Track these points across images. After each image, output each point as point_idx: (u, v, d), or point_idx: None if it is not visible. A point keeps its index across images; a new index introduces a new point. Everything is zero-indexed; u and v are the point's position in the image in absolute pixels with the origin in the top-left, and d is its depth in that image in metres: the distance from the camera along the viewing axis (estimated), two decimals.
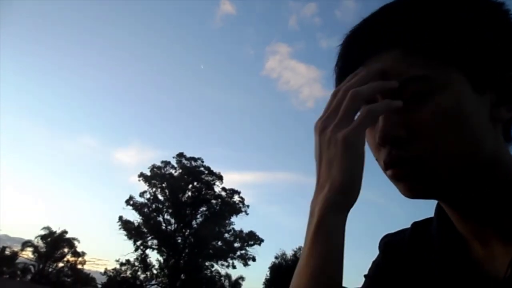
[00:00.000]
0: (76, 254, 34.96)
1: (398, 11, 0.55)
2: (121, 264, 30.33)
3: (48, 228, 34.69)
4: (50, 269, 34.50)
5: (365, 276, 0.72)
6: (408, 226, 0.70)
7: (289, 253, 33.29)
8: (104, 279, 31.25)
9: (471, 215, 0.56)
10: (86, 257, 35.34)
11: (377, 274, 0.69)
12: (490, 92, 0.53)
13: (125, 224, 30.23)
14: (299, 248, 33.10)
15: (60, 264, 34.83)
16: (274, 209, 49.02)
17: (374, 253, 0.74)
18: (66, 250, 34.92)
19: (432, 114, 0.51)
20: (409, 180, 0.53)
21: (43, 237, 34.29)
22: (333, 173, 0.51)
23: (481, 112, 0.53)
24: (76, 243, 35.03)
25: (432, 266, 0.60)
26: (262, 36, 49.11)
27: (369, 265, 0.73)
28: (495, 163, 0.54)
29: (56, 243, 34.36)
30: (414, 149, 0.52)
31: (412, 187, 0.54)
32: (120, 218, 30.37)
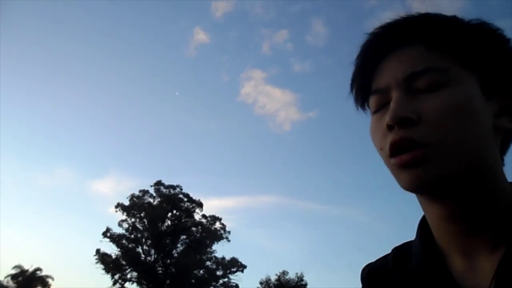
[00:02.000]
0: None
1: (419, 17, 0.60)
2: None
3: (19, 266, 33.01)
4: None
5: None
6: (389, 248, 0.71)
7: (273, 278, 32.81)
8: None
9: (462, 224, 0.57)
10: None
11: None
12: (494, 101, 0.58)
13: (103, 257, 29.23)
14: (283, 272, 32.74)
15: None
16: (257, 233, 48.53)
17: (355, 268, 0.74)
18: None
19: (443, 102, 0.54)
20: (418, 166, 0.53)
21: (13, 277, 32.54)
22: None
23: (487, 116, 0.56)
24: (50, 280, 33.41)
25: (414, 284, 0.61)
26: (236, 63, 50.04)
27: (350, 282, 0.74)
28: (494, 172, 0.57)
29: (28, 282, 32.65)
30: (423, 133, 0.53)
31: (419, 175, 0.53)
32: (97, 251, 29.38)
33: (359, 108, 0.66)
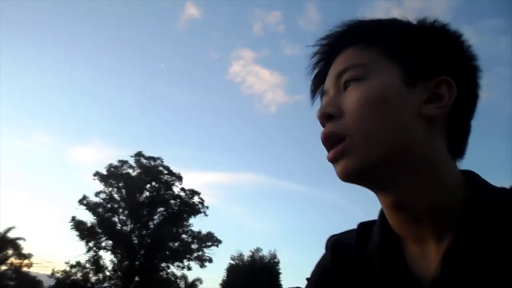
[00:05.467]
0: (22, 255, 33.01)
1: (354, 22, 0.67)
2: (71, 266, 29.06)
3: None
4: None
5: (307, 279, 0.75)
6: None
7: (247, 254, 33.51)
8: (52, 282, 29.71)
9: (406, 212, 0.60)
10: (34, 259, 33.45)
11: (323, 278, 0.71)
12: (422, 90, 0.60)
13: (78, 225, 29.07)
14: (257, 249, 33.48)
15: (3, 267, 32.72)
16: (235, 210, 49.03)
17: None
18: (10, 252, 32.87)
19: (358, 95, 0.59)
20: (339, 160, 0.59)
21: None
22: None
23: (408, 104, 0.59)
24: (21, 243, 33.05)
25: (371, 266, 0.64)
26: (227, 41, 49.00)
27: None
28: (429, 161, 0.59)
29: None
30: (342, 126, 0.59)
31: (342, 167, 0.59)
32: (73, 218, 29.20)
33: None
